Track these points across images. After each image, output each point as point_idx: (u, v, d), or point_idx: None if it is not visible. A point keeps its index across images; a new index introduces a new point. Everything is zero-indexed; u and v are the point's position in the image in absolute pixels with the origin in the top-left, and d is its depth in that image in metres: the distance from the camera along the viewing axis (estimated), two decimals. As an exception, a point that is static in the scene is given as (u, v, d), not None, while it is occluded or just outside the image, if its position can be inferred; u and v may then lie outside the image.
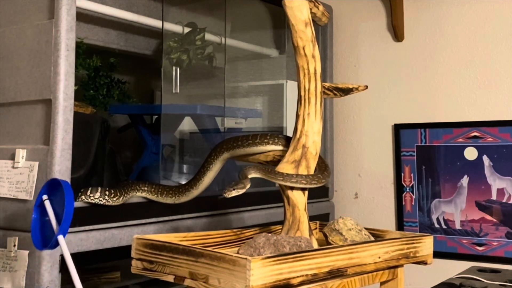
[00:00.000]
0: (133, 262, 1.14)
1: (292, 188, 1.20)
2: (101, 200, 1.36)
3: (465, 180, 2.05)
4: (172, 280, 1.07)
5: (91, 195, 1.35)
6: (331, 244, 1.24)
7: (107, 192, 1.38)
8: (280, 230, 1.23)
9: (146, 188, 1.49)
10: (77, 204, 1.33)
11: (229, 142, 1.30)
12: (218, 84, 2.03)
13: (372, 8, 2.30)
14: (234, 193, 1.16)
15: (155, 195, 1.49)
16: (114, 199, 1.39)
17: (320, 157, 1.24)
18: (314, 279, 1.04)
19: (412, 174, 2.15)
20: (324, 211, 2.20)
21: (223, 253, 0.98)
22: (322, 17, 1.27)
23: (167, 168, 1.91)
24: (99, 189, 1.37)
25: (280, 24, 2.29)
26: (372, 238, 1.27)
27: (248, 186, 1.20)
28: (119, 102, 1.83)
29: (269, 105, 2.19)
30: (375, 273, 1.21)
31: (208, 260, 0.99)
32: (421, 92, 2.18)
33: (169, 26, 1.89)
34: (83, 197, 1.35)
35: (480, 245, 2.02)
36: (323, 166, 1.23)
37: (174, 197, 1.47)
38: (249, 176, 1.22)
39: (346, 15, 2.35)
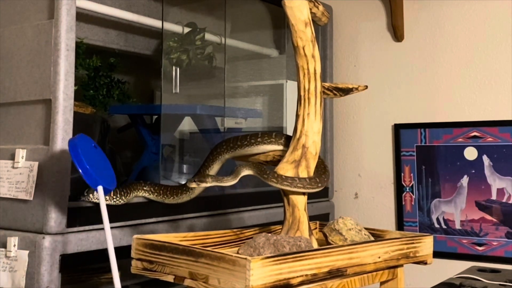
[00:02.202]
0: (133, 262, 1.14)
1: (292, 188, 1.20)
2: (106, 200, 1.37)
3: (465, 180, 2.05)
4: (172, 280, 1.07)
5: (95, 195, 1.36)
6: (331, 244, 1.24)
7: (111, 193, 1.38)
8: (280, 230, 1.23)
9: (148, 188, 1.49)
10: (77, 204, 1.33)
11: (229, 142, 1.30)
12: (218, 84, 2.03)
13: (372, 8, 2.30)
14: (194, 185, 1.19)
15: (164, 197, 1.48)
16: (119, 199, 1.39)
17: (320, 158, 1.23)
18: (314, 279, 1.04)
19: (412, 174, 2.15)
20: (324, 211, 2.20)
21: (223, 253, 0.98)
22: (322, 17, 1.27)
23: (167, 168, 1.91)
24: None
25: (280, 24, 2.29)
26: (372, 238, 1.27)
27: (220, 183, 1.21)
28: (119, 102, 1.83)
29: (269, 105, 2.19)
30: (375, 273, 1.21)
31: (208, 260, 0.99)
32: (421, 92, 2.18)
33: (169, 26, 1.89)
34: (85, 197, 1.35)
35: (480, 245, 2.02)
36: (322, 169, 1.23)
37: (177, 196, 1.47)
38: (241, 174, 1.22)
39: (346, 15, 2.35)
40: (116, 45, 1.97)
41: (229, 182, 1.23)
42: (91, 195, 1.34)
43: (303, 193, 1.21)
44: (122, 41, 1.99)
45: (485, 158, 2.02)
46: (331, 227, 1.26)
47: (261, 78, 2.22)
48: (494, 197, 2.00)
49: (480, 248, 2.02)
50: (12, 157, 1.35)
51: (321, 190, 1.22)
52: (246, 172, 1.23)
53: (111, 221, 1.38)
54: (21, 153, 1.33)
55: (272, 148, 1.26)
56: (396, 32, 2.20)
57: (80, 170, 1.07)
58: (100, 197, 1.07)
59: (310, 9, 1.20)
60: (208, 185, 1.20)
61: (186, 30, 1.94)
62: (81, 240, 1.31)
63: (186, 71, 1.98)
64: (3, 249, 1.29)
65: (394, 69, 2.24)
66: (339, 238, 1.24)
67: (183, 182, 1.76)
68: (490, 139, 2.01)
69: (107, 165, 1.14)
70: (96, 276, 1.67)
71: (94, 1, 1.62)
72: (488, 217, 2.01)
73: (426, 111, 2.16)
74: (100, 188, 1.08)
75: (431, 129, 2.12)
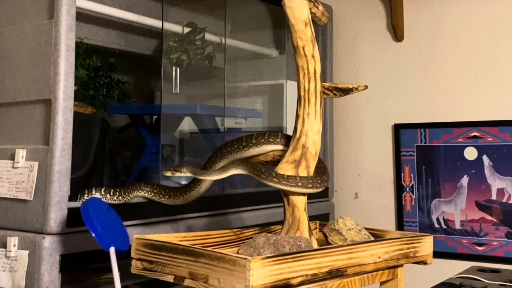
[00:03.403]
0: (133, 262, 1.14)
1: (292, 188, 1.19)
2: (105, 199, 1.37)
3: (465, 180, 2.05)
4: (172, 280, 1.07)
5: (95, 195, 1.36)
6: (331, 244, 1.24)
7: (113, 191, 1.39)
8: (280, 230, 1.23)
9: (158, 191, 1.47)
10: (77, 204, 1.33)
11: (230, 145, 1.29)
12: (218, 84, 2.03)
13: (372, 8, 2.30)
14: (168, 173, 1.20)
15: (175, 198, 1.47)
16: (126, 196, 1.40)
17: (319, 159, 1.23)
18: (314, 279, 1.04)
19: (412, 174, 2.15)
20: (324, 211, 2.20)
21: (223, 253, 0.98)
22: (322, 17, 1.27)
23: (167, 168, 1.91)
24: (102, 189, 1.38)
25: (280, 24, 2.29)
26: (372, 238, 1.27)
27: (198, 176, 1.21)
28: (119, 102, 1.83)
29: (269, 105, 2.19)
30: (375, 273, 1.21)
31: (208, 260, 0.99)
32: (421, 92, 2.18)
33: (169, 26, 1.89)
34: (85, 196, 1.35)
35: (480, 245, 2.02)
36: (322, 170, 1.23)
37: (186, 195, 1.45)
38: (231, 172, 1.21)
39: (346, 15, 2.35)
40: (116, 45, 1.97)
41: (212, 176, 1.21)
42: (84, 196, 1.35)
43: (303, 193, 1.20)
44: (122, 41, 1.99)
45: (485, 158, 2.02)
46: (331, 227, 1.26)
47: (261, 78, 2.22)
48: (494, 197, 2.00)
49: (480, 248, 2.02)
50: (12, 157, 1.35)
51: (321, 190, 1.22)
52: (237, 171, 1.21)
53: (111, 221, 1.39)
54: (21, 153, 1.33)
55: (273, 148, 1.26)
56: (396, 32, 2.20)
57: (93, 234, 1.10)
58: (111, 258, 1.09)
59: (310, 9, 1.20)
60: (183, 174, 1.20)
61: (186, 30, 1.94)
62: (81, 240, 1.31)
63: (186, 71, 1.98)
64: (3, 249, 1.29)
65: (394, 69, 2.24)
66: (339, 238, 1.24)
67: (184, 182, 1.76)
68: (490, 139, 2.01)
69: (119, 226, 1.17)
70: (96, 276, 1.67)
71: (94, 1, 1.62)
72: (488, 217, 2.01)
73: (426, 111, 2.16)
74: (112, 249, 1.10)
75: (431, 129, 2.12)
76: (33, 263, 1.25)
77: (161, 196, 1.47)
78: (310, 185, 1.17)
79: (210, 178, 1.22)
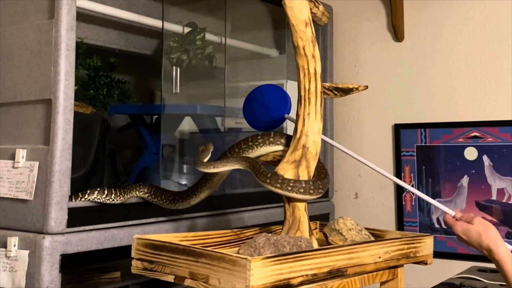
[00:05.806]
0: (133, 262, 1.14)
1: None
2: (108, 200, 1.37)
3: (465, 180, 2.05)
4: (172, 280, 1.07)
5: (92, 196, 1.36)
6: (331, 244, 1.24)
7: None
8: (280, 230, 1.23)
9: (171, 198, 1.43)
10: (77, 204, 1.33)
11: (237, 147, 1.29)
12: (218, 84, 2.03)
13: (372, 8, 2.30)
14: (205, 156, 1.23)
15: (188, 200, 1.44)
16: (114, 198, 1.39)
17: (320, 162, 1.23)
18: (314, 279, 1.04)
19: (412, 174, 2.15)
20: (324, 211, 2.20)
21: (223, 253, 0.98)
22: (322, 17, 1.27)
23: (167, 168, 1.91)
24: (98, 189, 1.38)
25: (280, 24, 2.29)
26: (372, 238, 1.27)
27: (198, 167, 1.22)
28: (119, 102, 1.83)
29: (269, 105, 2.19)
30: (375, 273, 1.21)
31: (208, 260, 0.99)
32: (421, 92, 2.17)
33: (169, 26, 1.89)
34: (83, 197, 1.35)
35: (480, 245, 2.02)
36: (323, 173, 1.23)
37: (198, 192, 1.42)
38: (232, 167, 1.21)
39: (346, 15, 2.35)
40: (117, 45, 1.97)
41: (211, 168, 1.21)
42: (83, 197, 1.35)
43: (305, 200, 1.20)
44: (123, 41, 1.99)
45: (485, 158, 2.02)
46: (331, 227, 1.26)
47: (261, 78, 2.22)
48: (494, 197, 2.00)
49: (480, 248, 2.02)
50: (12, 157, 1.35)
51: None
52: (237, 166, 1.21)
53: (111, 221, 1.40)
54: (21, 153, 1.33)
55: (274, 149, 1.26)
56: (396, 32, 2.20)
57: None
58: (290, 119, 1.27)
59: (311, 9, 1.20)
60: (208, 156, 1.23)
61: (186, 30, 1.94)
62: (81, 240, 1.31)
63: (186, 71, 1.98)
64: (3, 249, 1.29)
65: (394, 69, 2.24)
66: (339, 238, 1.24)
67: (184, 182, 1.76)
68: (490, 139, 2.01)
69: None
70: (96, 276, 1.68)
71: (94, 1, 1.62)
72: (488, 217, 2.01)
73: (426, 111, 2.16)
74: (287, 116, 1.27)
75: (431, 129, 2.12)
76: (33, 263, 1.25)
77: (157, 198, 1.45)
78: (311, 191, 1.17)
79: (209, 170, 1.22)
